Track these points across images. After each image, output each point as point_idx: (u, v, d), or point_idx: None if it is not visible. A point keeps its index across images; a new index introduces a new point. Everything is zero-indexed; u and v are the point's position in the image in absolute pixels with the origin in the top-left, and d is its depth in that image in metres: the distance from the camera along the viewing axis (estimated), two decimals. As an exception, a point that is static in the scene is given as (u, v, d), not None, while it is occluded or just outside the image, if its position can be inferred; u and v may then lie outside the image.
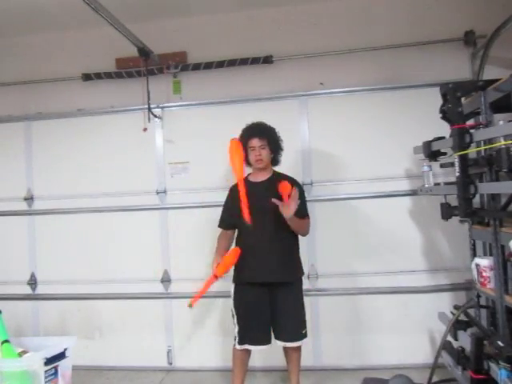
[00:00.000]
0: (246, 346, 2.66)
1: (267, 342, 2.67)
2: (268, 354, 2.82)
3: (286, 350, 2.73)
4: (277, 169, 2.82)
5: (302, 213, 2.66)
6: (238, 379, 2.73)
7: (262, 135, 2.68)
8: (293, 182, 2.75)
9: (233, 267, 2.66)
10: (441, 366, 2.73)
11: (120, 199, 3.52)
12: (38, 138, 3.67)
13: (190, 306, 2.52)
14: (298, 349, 2.71)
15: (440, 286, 3.21)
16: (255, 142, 2.67)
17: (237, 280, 2.73)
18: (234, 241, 2.77)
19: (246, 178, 2.80)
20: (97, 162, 3.58)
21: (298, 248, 2.74)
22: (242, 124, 2.76)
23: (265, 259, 2.60)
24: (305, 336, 2.67)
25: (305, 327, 2.68)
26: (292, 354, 2.72)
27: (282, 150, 2.78)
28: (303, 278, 2.78)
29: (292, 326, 2.65)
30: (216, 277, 2.55)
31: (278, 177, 2.75)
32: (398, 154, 3.24)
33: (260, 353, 2.79)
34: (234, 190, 2.79)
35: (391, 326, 3.24)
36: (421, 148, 2.68)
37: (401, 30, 3.30)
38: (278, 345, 2.67)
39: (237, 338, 2.67)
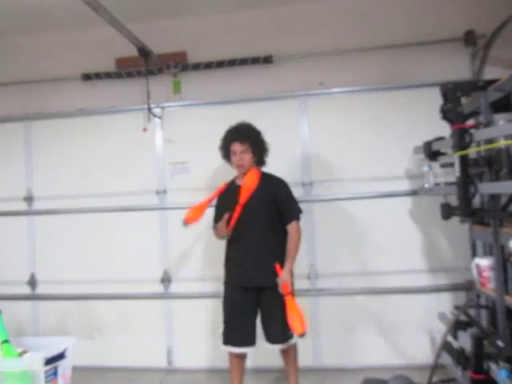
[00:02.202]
0: (229, 348, 2.66)
1: (250, 344, 2.65)
2: (265, 354, 2.81)
3: (280, 351, 2.72)
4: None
5: (291, 215, 2.66)
6: (235, 381, 2.73)
7: (243, 140, 2.66)
8: (279, 182, 2.74)
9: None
10: (441, 366, 2.73)
11: (120, 199, 3.52)
12: (38, 137, 3.67)
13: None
14: (291, 349, 2.70)
15: (440, 286, 3.21)
16: (236, 147, 2.67)
17: (226, 282, 2.75)
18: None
19: (233, 180, 2.82)
20: (97, 161, 3.58)
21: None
22: (229, 126, 2.76)
23: (252, 263, 2.60)
24: (291, 337, 2.64)
25: (290, 329, 2.63)
26: (285, 355, 2.73)
27: (266, 151, 2.76)
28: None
29: (278, 329, 2.62)
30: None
31: (264, 177, 2.74)
32: (397, 154, 3.24)
33: (257, 353, 2.78)
34: (222, 193, 2.82)
35: (391, 326, 3.24)
36: (421, 148, 2.69)
37: (401, 29, 3.30)
38: (266, 346, 2.66)
39: (222, 338, 2.69)
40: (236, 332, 2.65)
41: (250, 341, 2.66)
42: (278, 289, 2.53)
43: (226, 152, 2.75)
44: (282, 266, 2.59)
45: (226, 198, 2.76)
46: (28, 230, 3.65)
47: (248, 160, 2.68)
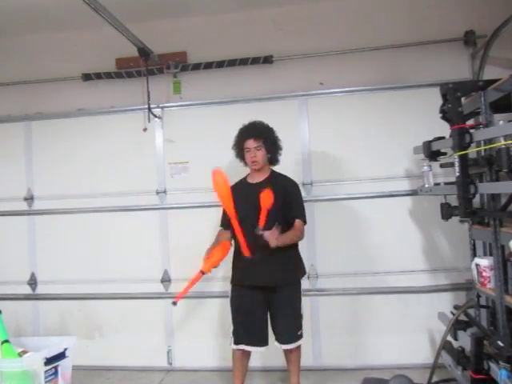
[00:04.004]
0: (242, 347, 2.66)
1: (263, 343, 2.66)
2: (268, 354, 2.82)
3: (284, 350, 2.72)
4: (277, 168, 2.82)
5: (298, 214, 2.66)
6: (237, 380, 2.73)
7: (257, 136, 2.65)
8: (289, 183, 2.74)
9: (227, 265, 2.69)
10: (441, 366, 2.73)
11: (120, 199, 3.52)
12: (37, 138, 3.67)
13: (175, 303, 2.46)
14: (296, 350, 2.70)
15: (440, 286, 3.21)
16: (250, 143, 2.65)
17: (234, 281, 2.74)
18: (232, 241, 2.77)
19: (245, 179, 2.81)
20: (97, 161, 3.58)
21: (296, 248, 2.73)
22: (242, 124, 2.76)
23: (261, 262, 2.58)
24: (300, 337, 2.65)
25: (300, 329, 2.66)
26: (289, 355, 2.72)
27: (280, 149, 2.76)
28: (304, 277, 2.78)
29: (286, 329, 2.64)
30: (203, 273, 2.52)
31: (276, 177, 2.75)
32: (398, 154, 3.24)
33: (260, 353, 2.79)
34: (232, 191, 2.80)
35: (391, 326, 3.24)
36: (421, 148, 2.68)
37: (401, 30, 3.30)
38: (275, 346, 2.67)
39: (232, 338, 2.68)
40: (248, 331, 2.65)
41: (262, 340, 2.66)
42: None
43: (240, 150, 2.72)
44: (291, 269, 2.63)
45: (238, 197, 2.72)
46: (28, 230, 3.65)
47: (262, 157, 2.67)
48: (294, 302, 2.66)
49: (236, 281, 2.73)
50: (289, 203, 2.66)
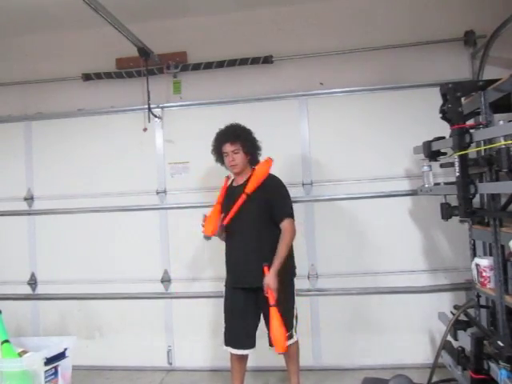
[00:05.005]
0: (229, 349, 2.66)
1: (249, 346, 2.65)
2: (267, 354, 2.81)
3: None
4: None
5: (283, 213, 2.62)
6: (236, 381, 2.73)
7: (233, 139, 2.64)
8: (272, 181, 2.69)
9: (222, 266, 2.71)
10: (441, 366, 2.72)
11: (120, 199, 3.52)
12: (37, 137, 3.67)
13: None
14: (292, 349, 2.67)
15: (440, 286, 3.21)
16: (228, 148, 2.65)
17: (226, 282, 2.75)
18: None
19: (231, 183, 2.80)
20: (97, 162, 3.58)
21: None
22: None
23: (247, 264, 2.59)
24: (290, 337, 2.60)
25: (290, 329, 2.62)
26: (286, 355, 2.70)
27: (259, 150, 2.74)
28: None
29: None
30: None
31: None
32: (398, 154, 3.24)
33: (258, 353, 2.78)
34: (221, 195, 2.80)
35: (391, 326, 3.24)
36: (421, 148, 2.68)
37: (401, 30, 3.30)
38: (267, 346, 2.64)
39: (223, 339, 2.69)
40: (236, 333, 2.65)
41: (249, 343, 2.65)
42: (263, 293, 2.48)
43: (219, 155, 2.73)
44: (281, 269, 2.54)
45: (224, 201, 2.74)
46: (28, 230, 3.65)
47: (240, 160, 2.66)
48: (285, 302, 2.61)
49: (227, 283, 2.74)
50: (273, 201, 2.62)
